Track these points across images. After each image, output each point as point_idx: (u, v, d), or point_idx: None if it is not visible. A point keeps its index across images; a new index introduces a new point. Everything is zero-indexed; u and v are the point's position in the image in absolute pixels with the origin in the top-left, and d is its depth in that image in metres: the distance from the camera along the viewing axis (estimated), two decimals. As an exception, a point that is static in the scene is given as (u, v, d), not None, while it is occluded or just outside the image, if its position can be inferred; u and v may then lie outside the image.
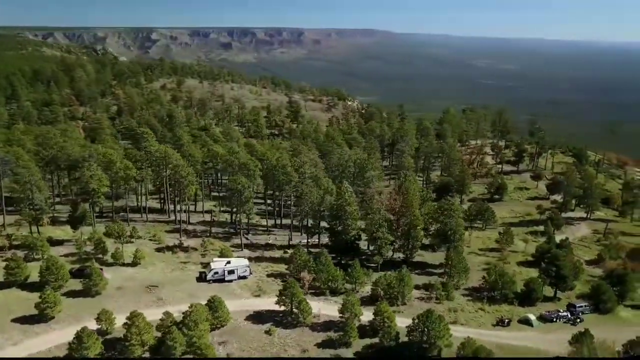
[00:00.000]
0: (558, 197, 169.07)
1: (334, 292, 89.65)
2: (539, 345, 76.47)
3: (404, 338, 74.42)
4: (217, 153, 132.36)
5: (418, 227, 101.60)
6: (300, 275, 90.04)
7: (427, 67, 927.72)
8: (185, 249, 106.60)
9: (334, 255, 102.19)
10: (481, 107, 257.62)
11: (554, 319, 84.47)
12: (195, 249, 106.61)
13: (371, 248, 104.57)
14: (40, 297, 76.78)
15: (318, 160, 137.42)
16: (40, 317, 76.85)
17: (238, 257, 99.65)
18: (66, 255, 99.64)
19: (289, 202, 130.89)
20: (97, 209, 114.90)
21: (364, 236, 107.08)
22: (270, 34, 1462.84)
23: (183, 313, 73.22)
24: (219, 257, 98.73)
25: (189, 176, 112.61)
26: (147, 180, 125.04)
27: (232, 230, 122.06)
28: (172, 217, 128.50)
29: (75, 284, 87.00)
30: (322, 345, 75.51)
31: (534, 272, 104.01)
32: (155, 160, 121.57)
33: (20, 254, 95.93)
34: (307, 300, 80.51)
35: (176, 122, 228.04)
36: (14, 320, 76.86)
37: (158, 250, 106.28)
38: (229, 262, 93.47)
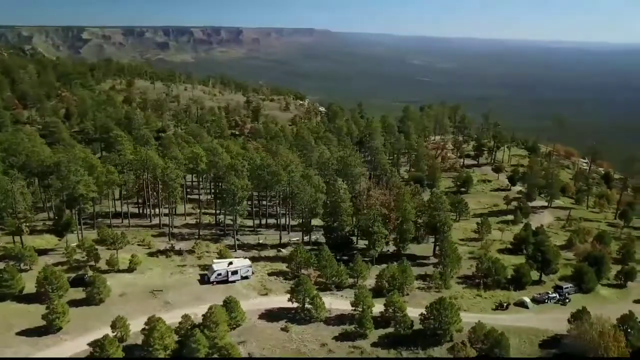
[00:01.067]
0: (520, 188, 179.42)
1: (339, 287, 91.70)
2: (539, 325, 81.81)
3: (417, 326, 77.82)
4: (197, 154, 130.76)
5: (410, 221, 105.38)
6: (307, 272, 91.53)
7: (367, 66, 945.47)
8: (179, 253, 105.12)
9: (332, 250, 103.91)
10: (438, 104, 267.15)
11: (545, 301, 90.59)
12: (191, 252, 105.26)
13: (365, 243, 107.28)
14: (47, 307, 74.29)
15: (297, 159, 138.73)
16: (47, 329, 74.38)
17: (235, 257, 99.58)
18: (55, 265, 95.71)
19: (274, 201, 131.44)
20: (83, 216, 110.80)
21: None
22: (208, 33, 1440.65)
23: (203, 315, 73.15)
24: (218, 258, 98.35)
25: (178, 178, 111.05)
26: (128, 184, 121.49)
27: (220, 232, 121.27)
28: (154, 222, 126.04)
29: (75, 293, 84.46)
30: (339, 338, 77.52)
31: (515, 259, 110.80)
32: (137, 163, 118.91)
33: (4, 265, 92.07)
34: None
35: (135, 124, 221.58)
36: (19, 334, 73.94)
37: (150, 255, 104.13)
38: (231, 263, 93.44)
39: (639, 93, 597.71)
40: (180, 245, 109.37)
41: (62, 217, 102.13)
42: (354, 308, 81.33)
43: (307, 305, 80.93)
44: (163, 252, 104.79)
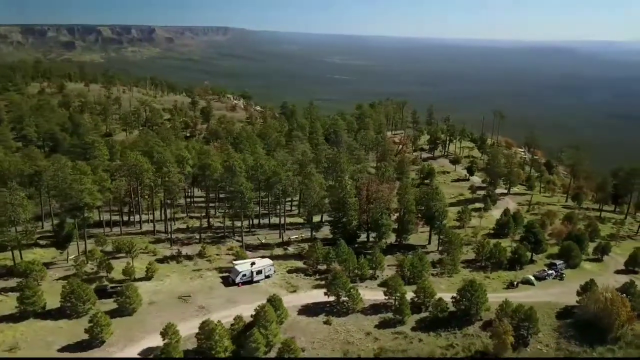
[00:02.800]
0: (477, 178, 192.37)
1: (361, 279, 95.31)
2: (549, 299, 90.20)
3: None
4: (184, 157, 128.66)
5: (412, 212, 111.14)
6: (331, 266, 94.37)
7: (286, 65, 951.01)
8: (189, 257, 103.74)
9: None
10: (386, 100, 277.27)
11: (546, 277, 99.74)
12: (200, 256, 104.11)
13: (372, 235, 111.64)
14: (90, 320, 71.74)
15: (289, 157, 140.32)
16: (89, 343, 72.07)
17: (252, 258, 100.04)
18: (64, 278, 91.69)
19: (267, 201, 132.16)
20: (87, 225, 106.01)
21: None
22: (118, 32, 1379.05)
23: (252, 315, 74.12)
24: (235, 260, 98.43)
25: (181, 182, 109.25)
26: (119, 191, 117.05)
27: (218, 234, 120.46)
28: (144, 228, 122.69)
29: (102, 305, 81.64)
30: (380, 326, 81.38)
31: (501, 242, 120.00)
32: (130, 169, 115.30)
33: (12, 281, 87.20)
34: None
35: (82, 129, 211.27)
36: (61, 351, 70.99)
37: (159, 261, 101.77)
38: (253, 263, 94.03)
39: (547, 88, 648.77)
40: (186, 250, 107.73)
41: (64, 228, 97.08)
42: (386, 297, 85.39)
43: (342, 298, 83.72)
44: (172, 258, 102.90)
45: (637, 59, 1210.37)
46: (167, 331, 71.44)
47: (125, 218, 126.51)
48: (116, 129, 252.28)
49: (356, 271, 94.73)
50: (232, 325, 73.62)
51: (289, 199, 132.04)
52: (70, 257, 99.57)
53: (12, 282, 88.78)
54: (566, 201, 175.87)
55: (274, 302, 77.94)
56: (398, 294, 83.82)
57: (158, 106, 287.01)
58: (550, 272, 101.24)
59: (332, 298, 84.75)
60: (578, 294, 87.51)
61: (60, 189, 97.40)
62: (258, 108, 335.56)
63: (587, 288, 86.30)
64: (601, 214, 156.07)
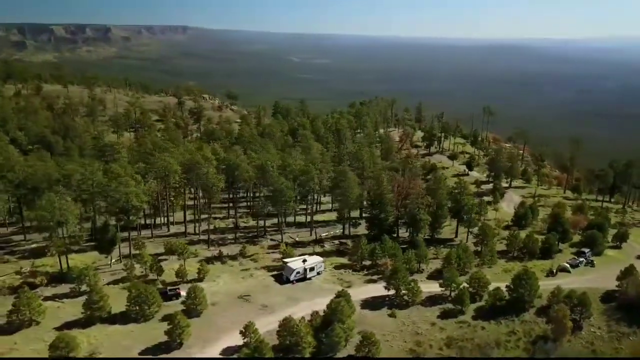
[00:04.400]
0: (476, 172, 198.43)
1: (411, 272, 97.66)
2: (589, 285, 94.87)
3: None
4: (208, 158, 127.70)
5: (445, 206, 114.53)
6: (382, 262, 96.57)
7: (247, 64, 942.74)
8: (233, 258, 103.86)
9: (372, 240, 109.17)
10: (375, 98, 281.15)
11: (578, 265, 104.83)
12: (244, 256, 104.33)
13: (409, 230, 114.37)
14: (170, 323, 71.58)
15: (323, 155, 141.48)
16: (168, 345, 71.95)
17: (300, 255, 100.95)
18: (114, 282, 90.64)
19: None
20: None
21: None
22: (72, 31, 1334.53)
23: (325, 310, 75.47)
24: (284, 258, 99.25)
25: (220, 183, 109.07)
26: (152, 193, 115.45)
27: (252, 234, 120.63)
28: (171, 231, 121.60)
29: (166, 308, 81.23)
30: (442, 316, 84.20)
31: (522, 233, 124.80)
32: (159, 171, 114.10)
33: (64, 287, 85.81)
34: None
35: (75, 132, 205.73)
36: (142, 354, 70.58)
37: (203, 262, 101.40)
38: (305, 260, 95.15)
39: (506, 84, 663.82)
40: (226, 251, 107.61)
41: (108, 232, 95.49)
42: (443, 289, 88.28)
43: (403, 291, 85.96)
44: (216, 259, 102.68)
45: (594, 55, 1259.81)
46: (247, 330, 72.16)
47: (149, 221, 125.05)
48: (104, 131, 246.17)
49: (405, 265, 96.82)
50: (309, 320, 74.64)
51: (315, 197, 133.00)
52: (113, 261, 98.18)
53: (63, 288, 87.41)
54: (564, 192, 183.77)
55: (344, 297, 79.33)
56: (454, 285, 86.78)
57: (146, 107, 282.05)
58: (581, 259, 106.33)
59: (392, 292, 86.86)
60: (618, 278, 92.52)
61: (104, 192, 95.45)
62: (235, 108, 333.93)
63: (627, 273, 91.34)
64: (602, 204, 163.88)
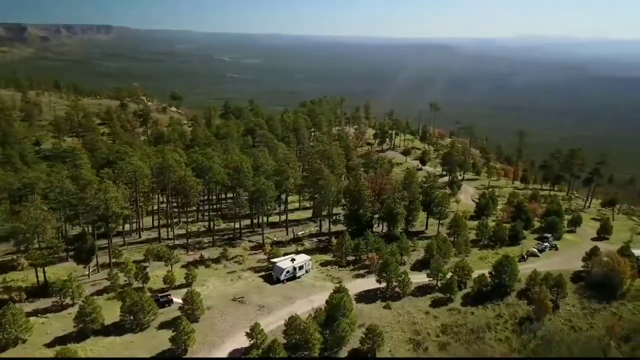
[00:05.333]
0: (429, 167, 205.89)
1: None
2: (558, 267, 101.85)
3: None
4: (177, 161, 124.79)
5: (417, 200, 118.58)
6: (369, 256, 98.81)
7: (175, 64, 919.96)
8: (216, 261, 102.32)
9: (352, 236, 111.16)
10: (324, 98, 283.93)
11: (544, 249, 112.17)
12: (228, 258, 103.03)
13: (384, 224, 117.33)
14: (174, 330, 69.95)
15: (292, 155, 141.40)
16: (173, 352, 70.28)
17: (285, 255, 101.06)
18: (99, 293, 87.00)
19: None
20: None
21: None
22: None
23: (325, 306, 76.54)
24: (272, 258, 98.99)
25: (198, 186, 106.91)
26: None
27: (227, 235, 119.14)
28: (142, 237, 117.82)
29: (161, 315, 79.30)
30: (434, 305, 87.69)
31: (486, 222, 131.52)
32: (129, 176, 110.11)
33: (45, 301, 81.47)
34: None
35: (13, 139, 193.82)
36: (146, 364, 68.47)
37: (185, 267, 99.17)
38: (294, 259, 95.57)
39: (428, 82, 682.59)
40: (207, 255, 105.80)
41: (86, 241, 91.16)
42: (430, 279, 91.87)
43: (394, 283, 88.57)
44: (200, 263, 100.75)
45: (511, 53, 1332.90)
46: (254, 331, 71.97)
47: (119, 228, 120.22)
48: (42, 137, 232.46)
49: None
50: (313, 317, 75.35)
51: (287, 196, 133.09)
52: (91, 271, 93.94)
53: (43, 303, 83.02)
54: (513, 183, 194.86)
55: (342, 292, 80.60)
56: (441, 275, 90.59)
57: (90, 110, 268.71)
58: (545, 244, 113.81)
59: (383, 284, 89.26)
60: (584, 259, 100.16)
61: (82, 199, 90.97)
62: (174, 109, 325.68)
63: (592, 254, 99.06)
64: (550, 192, 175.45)
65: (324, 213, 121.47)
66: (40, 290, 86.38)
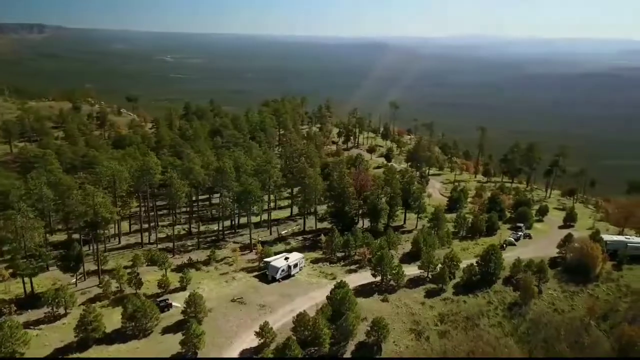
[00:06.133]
0: (395, 164, 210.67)
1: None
2: (534, 254, 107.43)
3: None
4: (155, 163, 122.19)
5: (398, 195, 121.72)
6: (360, 251, 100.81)
7: (114, 64, 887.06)
8: (206, 263, 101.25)
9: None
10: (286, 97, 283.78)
11: (519, 238, 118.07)
12: (218, 260, 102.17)
13: (365, 220, 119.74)
14: (184, 333, 69.25)
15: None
16: (183, 356, 69.55)
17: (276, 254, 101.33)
18: (91, 301, 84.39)
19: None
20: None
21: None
22: None
23: (326, 302, 77.96)
24: (260, 257, 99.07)
25: (184, 188, 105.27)
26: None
27: (211, 237, 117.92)
28: (122, 242, 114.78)
29: (163, 320, 78.15)
30: (430, 295, 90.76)
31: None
32: (109, 180, 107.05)
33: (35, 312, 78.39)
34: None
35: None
36: (158, 370, 67.42)
37: (176, 271, 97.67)
38: (287, 258, 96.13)
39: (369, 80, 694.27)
40: (195, 257, 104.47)
41: (74, 249, 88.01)
42: (422, 271, 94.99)
43: (389, 276, 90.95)
44: (189, 266, 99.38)
45: (448, 52, 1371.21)
46: (263, 330, 72.28)
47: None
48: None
49: (378, 253, 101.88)
50: (317, 312, 76.35)
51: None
52: (72, 281, 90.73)
53: (34, 314, 79.92)
54: (475, 177, 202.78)
55: (343, 288, 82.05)
56: (432, 266, 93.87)
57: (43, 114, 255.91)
58: (520, 233, 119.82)
59: (377, 278, 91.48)
60: (559, 246, 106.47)
61: (70, 205, 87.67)
62: (124, 111, 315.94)
63: (567, 241, 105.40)
64: (512, 184, 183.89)
65: (311, 211, 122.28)
66: (28, 301, 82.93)
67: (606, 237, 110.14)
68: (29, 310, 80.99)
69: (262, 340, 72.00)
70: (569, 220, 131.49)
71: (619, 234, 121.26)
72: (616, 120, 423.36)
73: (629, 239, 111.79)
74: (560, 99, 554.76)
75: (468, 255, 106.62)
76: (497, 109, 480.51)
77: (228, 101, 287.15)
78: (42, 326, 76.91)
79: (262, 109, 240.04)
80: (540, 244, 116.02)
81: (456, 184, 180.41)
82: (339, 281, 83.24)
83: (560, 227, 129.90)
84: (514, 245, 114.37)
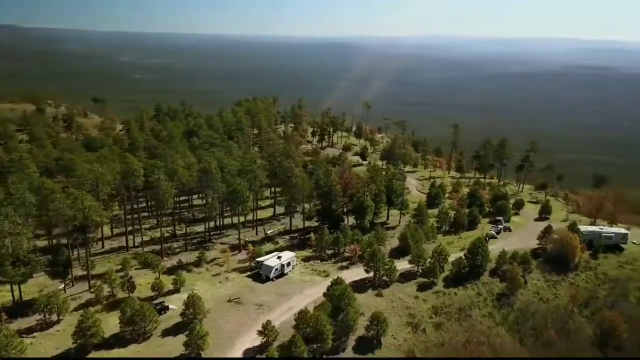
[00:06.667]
0: (369, 160, 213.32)
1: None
2: (516, 246, 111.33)
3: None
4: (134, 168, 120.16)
5: (382, 192, 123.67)
6: (350, 248, 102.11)
7: (72, 64, 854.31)
8: (197, 265, 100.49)
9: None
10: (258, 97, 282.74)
11: (500, 231, 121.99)
12: (208, 261, 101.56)
13: (352, 218, 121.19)
14: (188, 335, 68.94)
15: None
16: (187, 357, 69.11)
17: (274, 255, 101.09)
18: (84, 306, 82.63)
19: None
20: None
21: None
22: None
23: (325, 299, 78.91)
24: (251, 257, 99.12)
25: (172, 189, 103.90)
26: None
27: (196, 239, 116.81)
28: (105, 246, 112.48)
29: (162, 322, 77.37)
30: (422, 288, 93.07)
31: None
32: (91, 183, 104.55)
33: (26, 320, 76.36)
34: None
35: None
36: (164, 372, 66.85)
37: (165, 273, 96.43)
38: (279, 257, 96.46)
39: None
40: (184, 259, 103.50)
41: (63, 254, 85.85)
42: (412, 265, 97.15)
43: (381, 271, 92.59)
44: (183, 268, 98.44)
45: (412, 52, 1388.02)
46: (266, 329, 72.59)
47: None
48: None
49: (367, 249, 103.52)
50: (315, 309, 77.13)
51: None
52: (60, 287, 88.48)
53: (25, 322, 77.64)
54: (449, 173, 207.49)
55: (339, 284, 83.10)
56: (422, 260, 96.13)
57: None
58: (500, 226, 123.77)
59: (370, 274, 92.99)
60: (539, 238, 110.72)
61: (57, 210, 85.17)
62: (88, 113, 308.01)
63: (546, 232, 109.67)
64: (485, 179, 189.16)
65: (298, 209, 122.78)
66: (16, 308, 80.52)
67: (582, 227, 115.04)
68: (19, 319, 78.71)
69: (264, 339, 72.26)
70: (544, 212, 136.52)
71: (590, 225, 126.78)
72: (564, 117, 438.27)
73: (602, 229, 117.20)
74: (512, 97, 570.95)
75: (453, 249, 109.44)
76: (457, 107, 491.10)
77: (192, 102, 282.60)
78: (35, 334, 74.89)
79: (235, 108, 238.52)
80: (520, 236, 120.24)
81: (432, 180, 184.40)
82: (335, 278, 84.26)
83: (536, 220, 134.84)
84: (496, 238, 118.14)
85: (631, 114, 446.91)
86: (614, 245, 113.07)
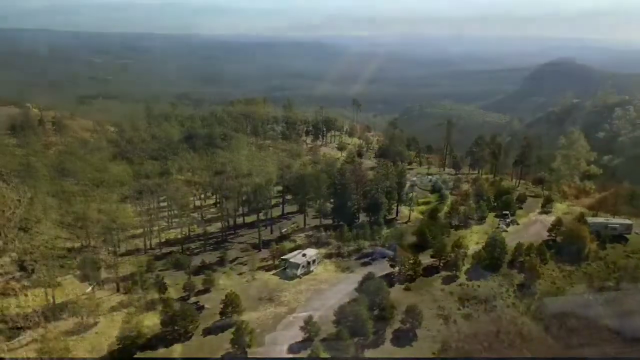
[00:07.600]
0: (366, 160, 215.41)
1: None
2: (527, 238, 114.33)
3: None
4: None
5: (394, 191, 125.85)
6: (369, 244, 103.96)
7: (43, 66, 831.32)
8: (220, 264, 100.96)
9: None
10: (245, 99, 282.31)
11: (510, 224, 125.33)
12: (230, 261, 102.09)
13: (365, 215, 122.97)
14: (234, 332, 69.62)
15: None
16: (233, 355, 70.09)
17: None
18: (118, 308, 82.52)
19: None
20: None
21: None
22: None
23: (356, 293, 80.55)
24: (275, 255, 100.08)
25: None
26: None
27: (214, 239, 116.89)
28: (122, 249, 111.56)
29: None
30: (445, 282, 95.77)
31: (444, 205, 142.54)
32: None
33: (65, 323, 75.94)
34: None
35: None
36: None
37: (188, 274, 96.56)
38: (304, 255, 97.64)
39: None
40: (208, 259, 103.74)
41: (90, 257, 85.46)
42: (434, 259, 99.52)
43: (405, 266, 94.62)
44: (205, 268, 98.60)
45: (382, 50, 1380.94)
46: (308, 325, 73.81)
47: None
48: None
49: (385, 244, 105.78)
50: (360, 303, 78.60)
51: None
52: (89, 289, 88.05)
53: (63, 325, 77.08)
54: (445, 170, 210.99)
55: (372, 279, 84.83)
56: (444, 254, 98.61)
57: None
58: (508, 220, 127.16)
59: (396, 269, 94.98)
60: (549, 230, 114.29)
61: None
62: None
63: (557, 224, 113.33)
64: (480, 175, 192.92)
65: (315, 208, 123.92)
66: (51, 311, 79.86)
67: (589, 219, 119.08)
68: (53, 322, 78.08)
69: (306, 335, 73.36)
70: (547, 206, 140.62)
71: (592, 217, 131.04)
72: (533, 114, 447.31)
73: (608, 220, 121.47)
74: (479, 93, 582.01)
75: (468, 242, 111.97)
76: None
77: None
78: (74, 337, 74.48)
79: (229, 109, 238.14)
80: (528, 228, 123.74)
81: (430, 177, 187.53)
82: (366, 273, 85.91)
83: (540, 213, 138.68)
84: (506, 231, 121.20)
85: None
86: (619, 236, 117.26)
